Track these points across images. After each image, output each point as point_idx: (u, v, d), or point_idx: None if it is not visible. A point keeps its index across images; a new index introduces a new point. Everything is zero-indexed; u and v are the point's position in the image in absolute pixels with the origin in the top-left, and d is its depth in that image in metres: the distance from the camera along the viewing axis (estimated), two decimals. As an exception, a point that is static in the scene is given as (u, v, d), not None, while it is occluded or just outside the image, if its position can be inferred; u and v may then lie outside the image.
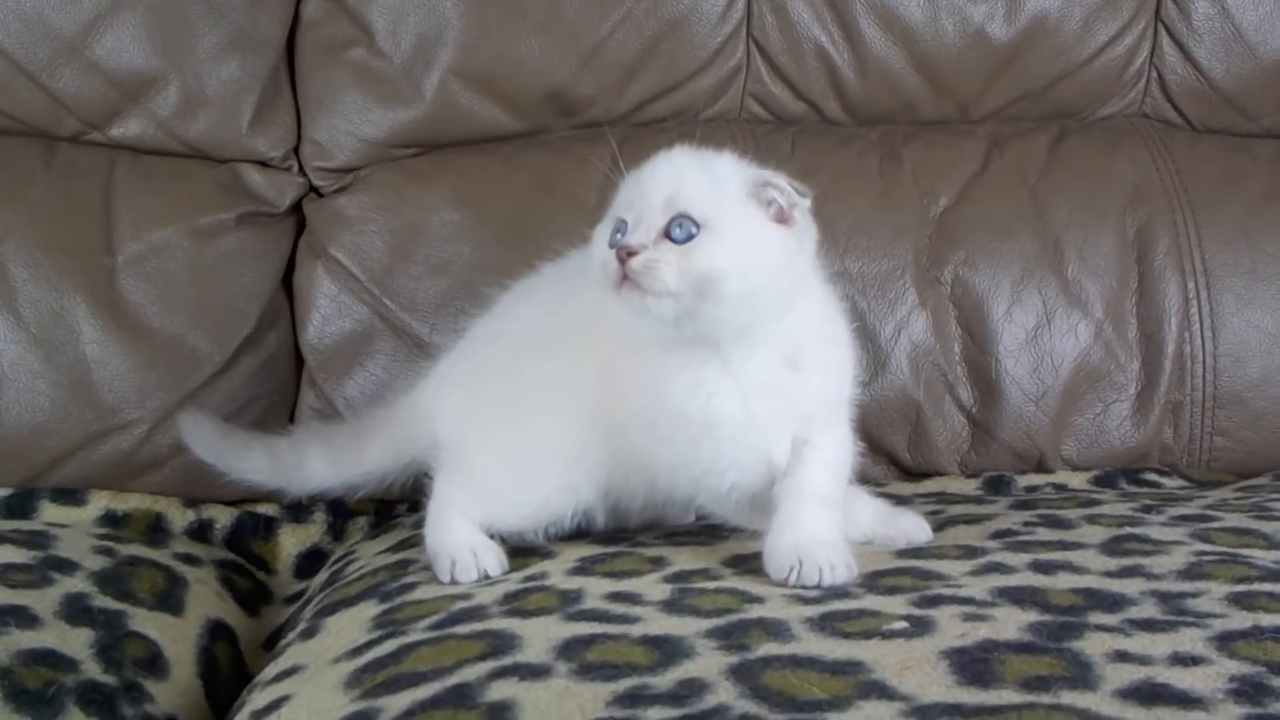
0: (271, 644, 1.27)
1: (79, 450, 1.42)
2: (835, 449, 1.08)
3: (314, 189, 1.55)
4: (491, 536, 1.14)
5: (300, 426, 1.39)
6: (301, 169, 1.55)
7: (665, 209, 0.98)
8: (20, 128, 1.51)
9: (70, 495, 1.40)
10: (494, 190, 1.52)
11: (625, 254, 0.97)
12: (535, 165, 1.55)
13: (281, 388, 1.50)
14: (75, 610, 1.11)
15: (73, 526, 1.34)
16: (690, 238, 0.97)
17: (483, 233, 1.49)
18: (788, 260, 1.01)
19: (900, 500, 1.35)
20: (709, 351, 1.02)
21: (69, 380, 1.41)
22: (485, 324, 1.20)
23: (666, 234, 0.98)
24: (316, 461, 1.25)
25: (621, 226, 1.00)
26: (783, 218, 1.01)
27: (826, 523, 1.03)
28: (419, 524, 1.34)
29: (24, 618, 1.07)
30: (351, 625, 1.04)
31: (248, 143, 1.53)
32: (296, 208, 1.55)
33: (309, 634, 1.07)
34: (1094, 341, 1.51)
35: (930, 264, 1.51)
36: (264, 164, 1.54)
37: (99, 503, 1.41)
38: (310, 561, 1.43)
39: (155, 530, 1.40)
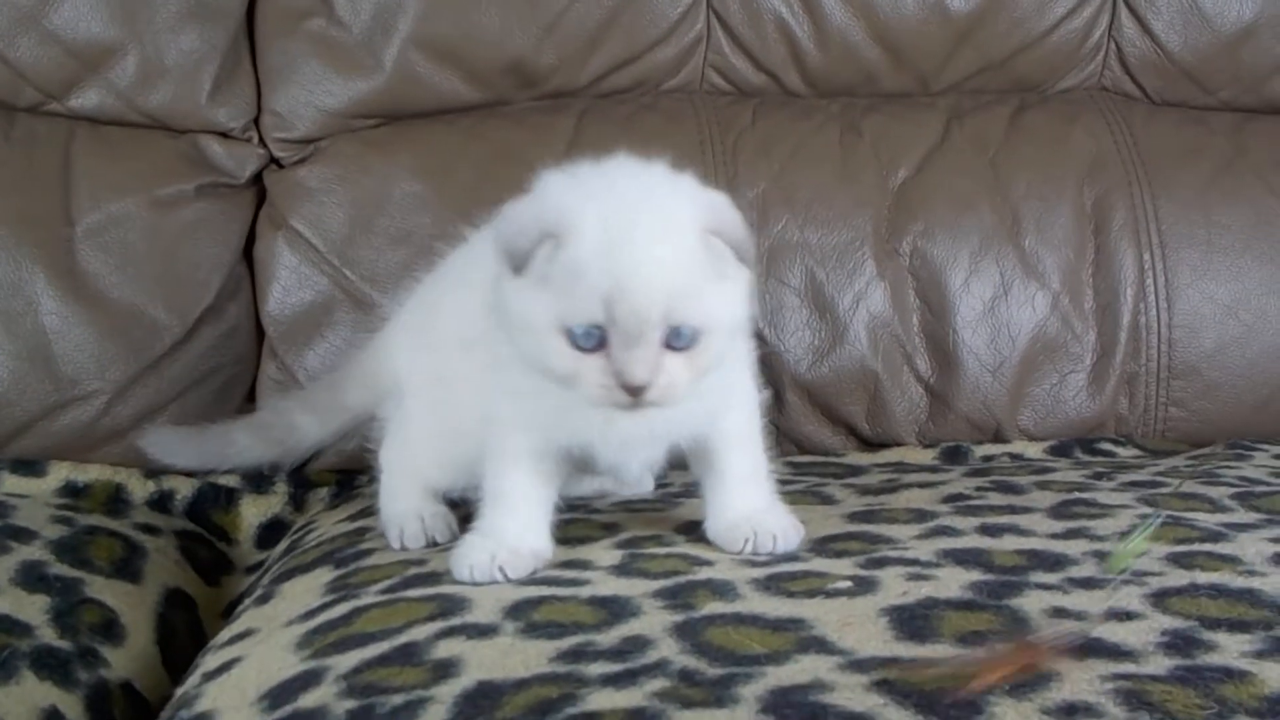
0: (231, 613, 1.28)
1: (38, 421, 1.42)
2: (744, 421, 1.04)
3: (274, 160, 1.55)
4: (455, 504, 1.15)
5: (272, 397, 1.41)
6: (262, 140, 1.54)
7: (663, 322, 0.89)
8: (-23, 99, 1.50)
9: (30, 466, 1.40)
10: (455, 161, 1.52)
11: (638, 391, 0.89)
12: (496, 136, 1.55)
13: (242, 359, 1.50)
14: (31, 578, 1.11)
15: (32, 497, 1.34)
16: (695, 342, 0.90)
17: (443, 204, 1.49)
18: (745, 300, 0.95)
19: (857, 470, 1.37)
20: None
21: (27, 351, 1.41)
22: (430, 282, 1.18)
23: (667, 342, 0.90)
24: (304, 419, 1.26)
25: (593, 333, 0.89)
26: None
27: (761, 493, 1.03)
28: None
29: (-21, 584, 1.07)
30: (306, 590, 1.04)
31: (207, 113, 1.52)
32: (257, 179, 1.54)
33: (264, 599, 1.07)
34: (1051, 313, 1.52)
35: (889, 235, 1.52)
36: (224, 135, 1.53)
37: (59, 474, 1.41)
38: (271, 532, 1.44)
39: (116, 501, 1.40)
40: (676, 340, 0.90)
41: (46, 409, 1.42)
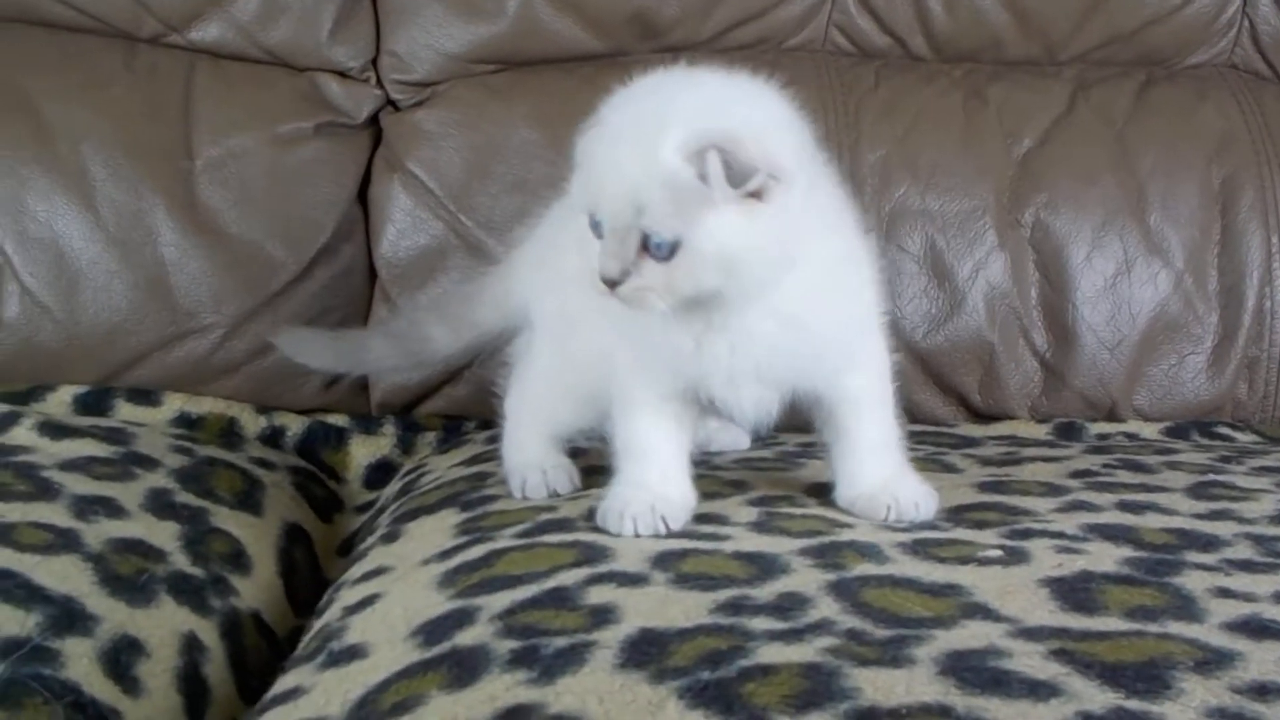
0: (345, 550, 1.28)
1: (155, 352, 1.42)
2: (871, 383, 1.02)
3: (391, 102, 1.54)
4: (574, 454, 1.14)
5: (404, 305, 1.41)
6: (379, 81, 1.54)
7: (635, 226, 0.87)
8: (101, 27, 1.50)
9: (145, 395, 1.41)
10: (573, 110, 1.48)
11: (610, 284, 0.89)
12: (614, 86, 1.52)
13: (354, 301, 1.50)
14: (160, 504, 1.12)
15: (149, 426, 1.35)
16: (672, 253, 0.87)
17: (560, 152, 1.46)
18: (776, 237, 0.89)
19: (971, 441, 1.35)
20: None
21: (146, 281, 1.42)
22: (551, 218, 1.15)
23: (645, 247, 0.88)
24: (437, 330, 1.25)
25: (596, 224, 0.89)
26: (755, 191, 0.87)
27: (893, 460, 1.02)
28: (490, 440, 1.36)
29: (111, 508, 1.07)
30: (434, 531, 1.04)
31: (327, 52, 1.51)
32: (374, 120, 1.54)
33: (391, 538, 1.07)
34: (1173, 292, 1.49)
35: (1011, 205, 1.49)
36: (342, 74, 1.53)
37: (173, 404, 1.41)
38: (379, 473, 1.44)
39: (229, 434, 1.41)
40: (655, 248, 0.87)
41: (163, 340, 1.42)
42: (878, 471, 1.01)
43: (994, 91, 1.55)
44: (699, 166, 0.85)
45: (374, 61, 1.54)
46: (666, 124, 0.87)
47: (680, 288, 0.88)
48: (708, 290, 0.89)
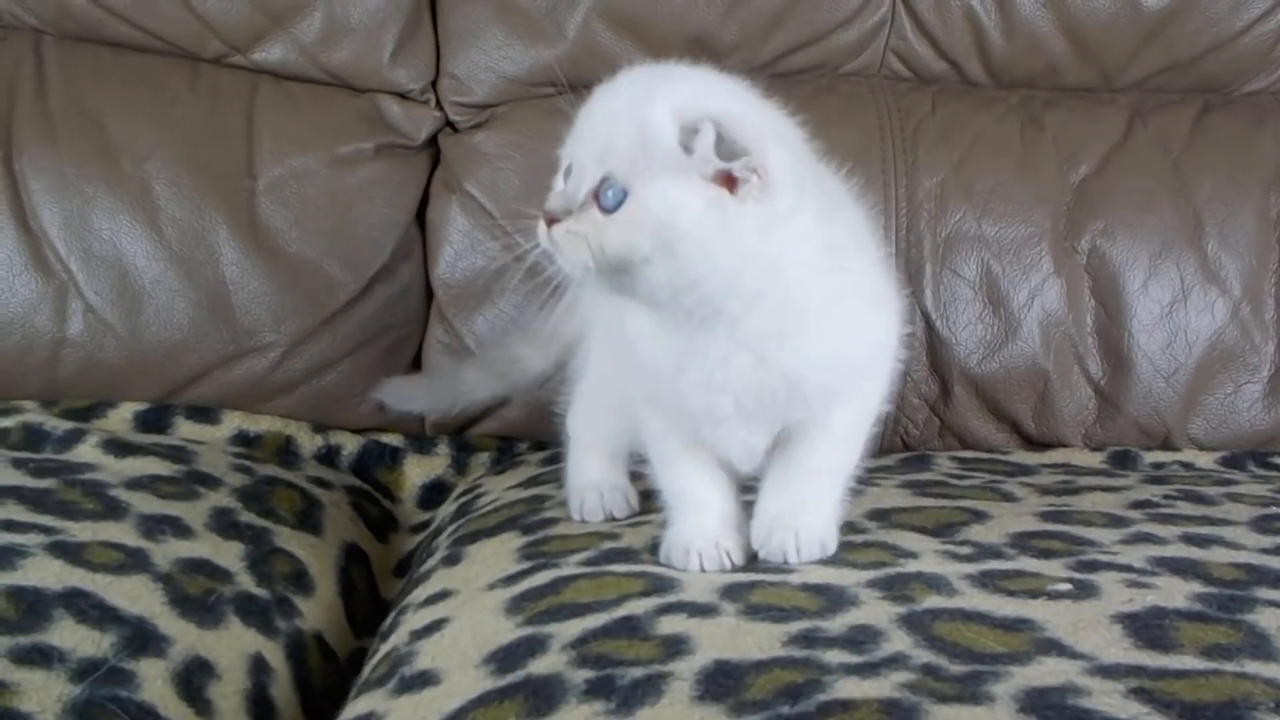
0: (401, 570, 1.29)
1: (215, 370, 1.44)
2: (849, 422, 0.96)
3: (450, 124, 1.56)
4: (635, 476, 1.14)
5: (493, 334, 1.43)
6: (439, 103, 1.55)
7: (596, 166, 0.84)
8: (166, 47, 1.52)
9: (204, 413, 1.43)
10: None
11: (549, 219, 0.85)
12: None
13: (411, 321, 1.51)
14: (224, 524, 1.13)
15: (208, 444, 1.36)
16: (618, 205, 0.82)
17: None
18: (736, 238, 0.83)
19: (1026, 469, 1.35)
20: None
21: (208, 300, 1.43)
22: None
23: (597, 196, 0.84)
24: (525, 350, 1.27)
25: (566, 171, 0.88)
26: (730, 179, 0.83)
27: (812, 491, 0.96)
28: (545, 462, 1.37)
29: (178, 527, 1.09)
30: (496, 554, 1.05)
31: (388, 74, 1.53)
32: (432, 141, 1.55)
33: (452, 560, 1.08)
34: (1230, 320, 1.49)
35: (1068, 232, 1.49)
36: (403, 96, 1.54)
37: (231, 422, 1.43)
38: (433, 493, 1.45)
39: (286, 453, 1.42)
40: (604, 195, 0.82)
41: (223, 358, 1.44)
42: (793, 496, 0.96)
43: (1051, 118, 1.55)
44: (684, 136, 0.82)
45: (434, 84, 1.55)
46: (667, 88, 0.86)
47: (610, 243, 0.82)
48: (636, 256, 0.82)
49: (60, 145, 1.44)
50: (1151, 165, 1.53)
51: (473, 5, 1.53)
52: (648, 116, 0.83)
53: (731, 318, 0.87)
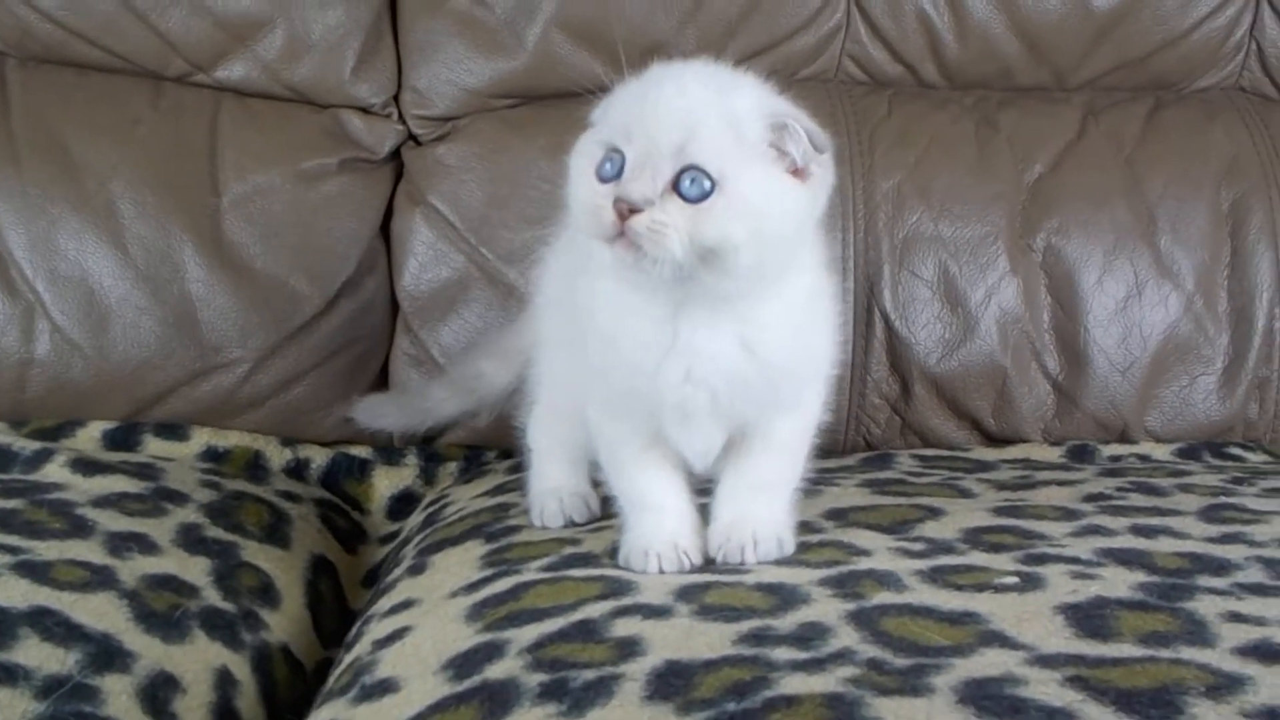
0: (370, 581, 1.31)
1: (182, 386, 1.45)
2: (793, 433, 1.00)
3: (413, 137, 1.57)
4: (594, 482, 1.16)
5: (460, 349, 1.45)
6: (401, 116, 1.56)
7: (675, 156, 0.85)
8: (129, 67, 1.53)
9: (173, 430, 1.44)
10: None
11: (627, 210, 0.85)
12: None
13: (377, 334, 1.52)
14: (191, 539, 1.14)
15: (177, 460, 1.37)
16: (704, 196, 0.85)
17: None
18: (799, 223, 0.90)
19: (986, 465, 1.37)
20: (673, 309, 0.92)
21: (174, 317, 1.44)
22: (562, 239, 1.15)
23: (674, 185, 0.85)
24: (488, 364, 1.29)
25: (614, 159, 0.87)
26: (798, 170, 0.88)
27: (763, 502, 0.99)
28: (511, 469, 1.38)
29: (145, 544, 1.10)
30: (460, 563, 1.06)
31: (350, 89, 1.54)
32: (395, 155, 1.57)
33: (417, 570, 1.09)
34: (1184, 314, 1.51)
35: (1023, 231, 1.51)
36: (365, 110, 1.55)
37: (200, 439, 1.44)
38: (402, 504, 1.47)
39: (255, 467, 1.43)
40: (687, 187, 0.84)
41: (191, 374, 1.45)
42: (744, 506, 0.99)
43: (1005, 118, 1.57)
44: (774, 133, 0.87)
45: (396, 97, 1.56)
46: (739, 85, 0.90)
47: (704, 233, 0.84)
48: (728, 245, 0.85)
49: (24, 166, 1.45)
50: (1104, 163, 1.55)
51: (433, 19, 1.55)
52: (734, 111, 0.87)
53: (753, 303, 0.91)
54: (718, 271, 0.87)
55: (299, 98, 1.55)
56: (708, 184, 0.85)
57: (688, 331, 0.92)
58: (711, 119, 0.86)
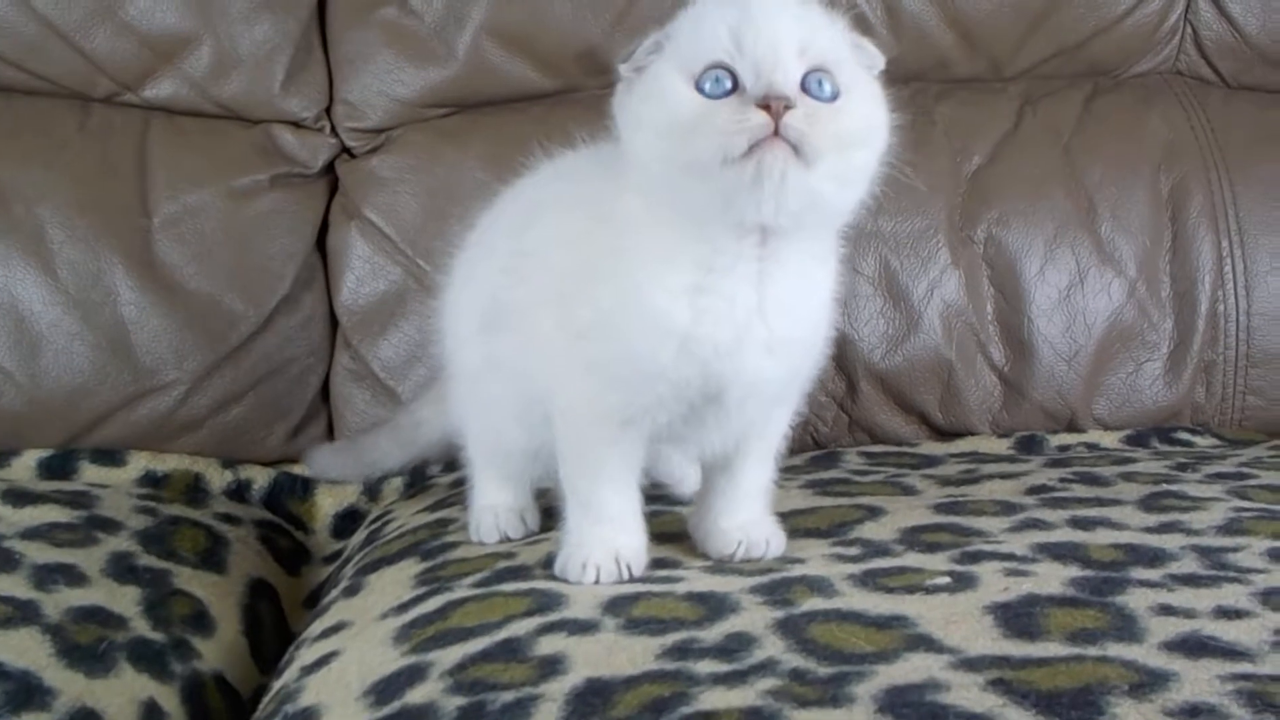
0: (312, 602, 1.29)
1: (118, 411, 1.43)
2: (778, 435, 1.00)
3: (346, 150, 1.55)
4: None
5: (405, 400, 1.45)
6: (334, 129, 1.55)
7: (800, 60, 0.82)
8: (55, 89, 1.51)
9: (110, 456, 1.42)
10: (526, 150, 1.52)
11: (783, 108, 0.79)
12: (567, 124, 1.52)
13: (317, 350, 1.50)
14: (121, 569, 1.12)
15: (113, 487, 1.35)
16: (835, 96, 0.82)
17: (514, 193, 1.48)
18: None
19: (933, 460, 1.36)
20: (735, 253, 0.87)
21: (107, 341, 1.42)
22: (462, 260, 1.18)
23: (804, 87, 0.82)
24: (427, 411, 1.29)
25: (718, 76, 0.82)
26: None
27: (760, 506, 1.00)
28: (455, 484, 1.36)
29: (72, 575, 1.08)
30: (394, 582, 1.05)
31: (280, 103, 1.52)
32: (329, 169, 1.55)
33: (352, 591, 1.08)
34: (1127, 300, 1.50)
35: (963, 223, 1.51)
36: (296, 124, 1.53)
37: (138, 463, 1.42)
38: (347, 521, 1.45)
39: (194, 490, 1.41)
40: (817, 89, 0.82)
41: (126, 399, 1.43)
42: (745, 514, 0.99)
43: (942, 110, 1.57)
44: (854, 46, 0.88)
45: (328, 110, 1.55)
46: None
47: (846, 128, 0.82)
48: (858, 143, 0.84)
49: (-50, 195, 1.43)
50: (1043, 151, 1.55)
51: (362, 30, 1.53)
52: (838, 26, 0.87)
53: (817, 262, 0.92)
54: (838, 183, 0.84)
55: (229, 114, 1.53)
56: (832, 87, 0.83)
57: (775, 292, 0.88)
58: (823, 24, 0.85)
